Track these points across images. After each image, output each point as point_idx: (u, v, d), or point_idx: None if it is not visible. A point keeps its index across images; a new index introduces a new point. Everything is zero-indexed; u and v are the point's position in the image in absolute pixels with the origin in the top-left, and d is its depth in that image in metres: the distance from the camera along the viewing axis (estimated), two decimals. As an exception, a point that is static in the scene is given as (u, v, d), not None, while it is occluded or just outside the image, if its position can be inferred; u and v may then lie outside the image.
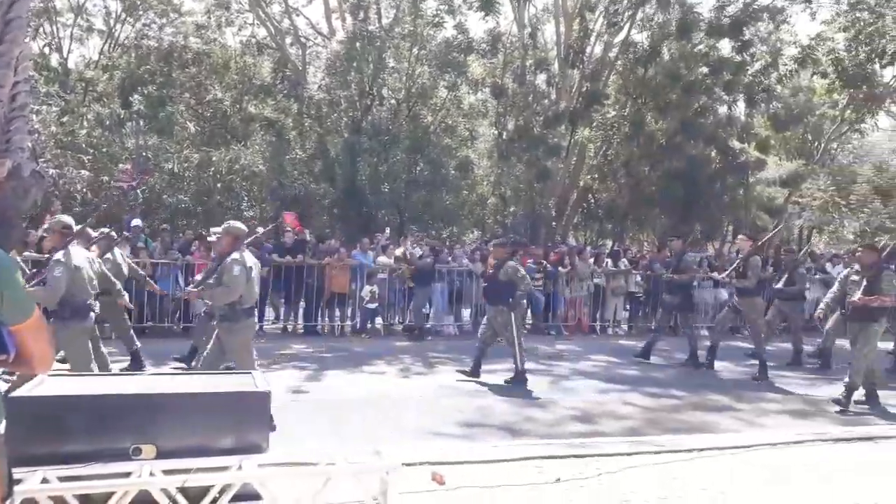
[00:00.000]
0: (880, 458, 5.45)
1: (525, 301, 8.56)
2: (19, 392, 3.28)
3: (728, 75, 18.21)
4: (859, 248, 8.36)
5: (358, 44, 16.11)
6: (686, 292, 9.69)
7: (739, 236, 9.94)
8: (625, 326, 13.49)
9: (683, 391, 7.83)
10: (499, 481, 4.40)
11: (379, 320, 12.08)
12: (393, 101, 17.28)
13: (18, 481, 2.84)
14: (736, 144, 18.79)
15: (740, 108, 19.60)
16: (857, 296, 7.25)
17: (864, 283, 7.28)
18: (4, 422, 2.90)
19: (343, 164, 16.10)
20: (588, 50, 18.10)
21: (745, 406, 7.37)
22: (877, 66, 18.19)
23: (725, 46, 18.63)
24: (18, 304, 1.73)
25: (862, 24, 17.90)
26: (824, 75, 19.25)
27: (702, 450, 5.30)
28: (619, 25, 18.12)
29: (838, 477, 4.85)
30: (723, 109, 19.17)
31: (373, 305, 11.69)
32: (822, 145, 21.46)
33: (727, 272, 9.10)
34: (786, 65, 19.18)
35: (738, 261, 9.04)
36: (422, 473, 4.34)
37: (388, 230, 14.54)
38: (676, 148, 17.81)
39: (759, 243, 9.58)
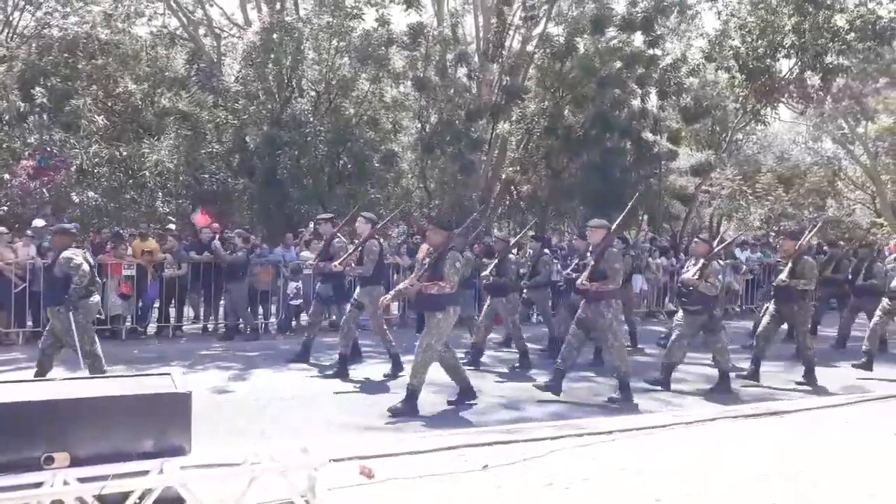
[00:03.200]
0: (787, 432, 5.82)
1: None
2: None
3: (641, 69, 18.82)
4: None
5: (275, 35, 15.74)
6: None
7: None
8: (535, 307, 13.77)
9: (606, 376, 8.10)
10: (427, 471, 4.45)
11: (304, 317, 11.92)
12: (313, 94, 17.00)
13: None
14: (649, 136, 19.44)
15: (653, 102, 20.29)
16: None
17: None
18: None
19: (262, 157, 15.73)
20: (507, 44, 18.33)
21: (657, 387, 7.67)
22: (774, 61, 19.17)
23: (638, 41, 19.26)
24: None
25: (758, 20, 18.84)
26: (727, 70, 20.16)
27: (621, 431, 5.52)
28: (535, 19, 18.41)
29: (748, 451, 5.15)
30: (636, 102, 19.80)
31: (297, 302, 11.54)
32: (729, 136, 22.48)
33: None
34: (694, 59, 19.99)
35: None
36: (350, 468, 4.35)
37: (311, 225, 14.33)
38: (593, 140, 18.27)
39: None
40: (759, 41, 18.91)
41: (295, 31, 15.85)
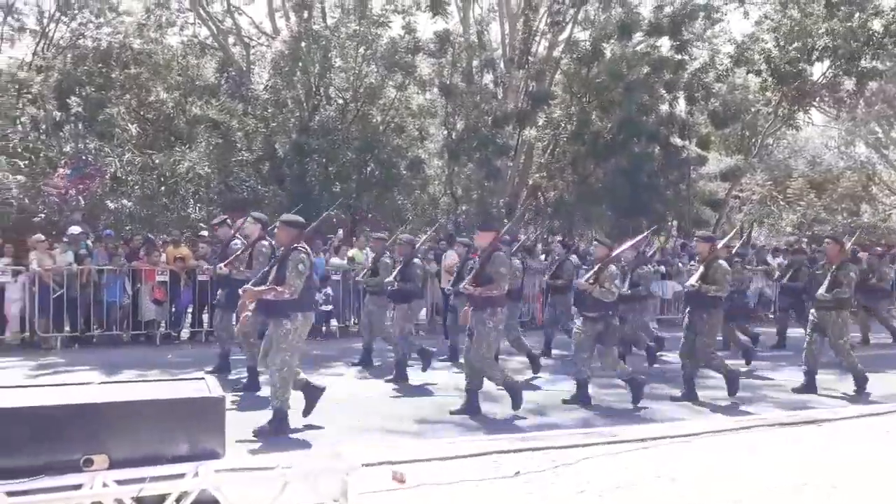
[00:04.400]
0: (823, 441, 5.69)
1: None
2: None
3: (668, 74, 18.68)
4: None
5: (303, 43, 15.94)
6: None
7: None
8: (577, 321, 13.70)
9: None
10: (458, 477, 4.44)
11: (334, 322, 12.00)
12: (341, 101, 17.15)
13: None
14: (678, 141, 19.26)
15: (681, 106, 20.13)
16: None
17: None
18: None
19: (291, 164, 15.90)
20: (533, 50, 18.32)
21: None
22: (807, 64, 18.90)
23: (666, 45, 19.12)
24: None
25: (791, 22, 18.59)
26: (758, 73, 19.92)
27: (653, 438, 5.45)
28: (561, 25, 18.38)
29: (783, 460, 5.05)
30: (664, 107, 19.65)
31: (327, 308, 11.61)
32: (759, 141, 22.17)
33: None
34: (722, 63, 19.78)
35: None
36: (382, 473, 4.35)
37: (340, 231, 14.44)
38: (621, 146, 18.16)
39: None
40: (792, 44, 18.65)
41: (322, 39, 16.02)
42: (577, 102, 19.05)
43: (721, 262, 7.26)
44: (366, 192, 16.35)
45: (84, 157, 14.68)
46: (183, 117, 18.46)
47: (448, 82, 17.30)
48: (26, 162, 14.11)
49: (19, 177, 13.32)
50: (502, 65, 18.40)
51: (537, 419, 6.45)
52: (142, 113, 18.91)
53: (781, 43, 18.88)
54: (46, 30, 20.58)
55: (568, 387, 7.36)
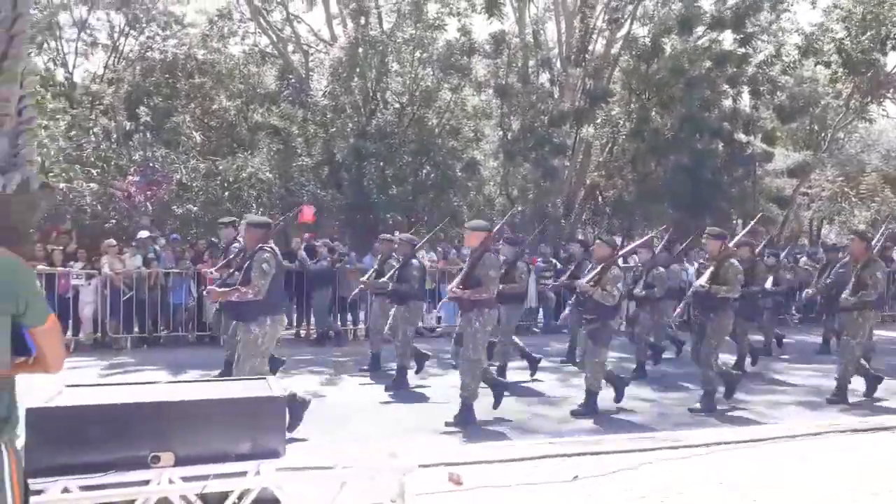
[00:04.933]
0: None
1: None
2: (38, 403, 3.30)
3: (731, 68, 18.14)
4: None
5: (360, 49, 16.16)
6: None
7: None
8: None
9: (692, 384, 7.79)
10: (516, 480, 4.40)
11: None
12: (397, 105, 17.31)
13: (38, 492, 2.87)
14: (742, 137, 18.70)
15: (745, 101, 19.52)
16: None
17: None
18: (23, 435, 2.94)
19: (349, 168, 16.14)
20: (590, 47, 18.09)
21: (755, 398, 7.33)
22: (880, 54, 18.07)
23: (728, 39, 18.60)
24: (38, 309, 1.84)
25: (863, 10, 17.81)
26: (827, 64, 19.16)
27: (718, 444, 5.29)
28: (620, 21, 18.10)
29: (858, 467, 4.83)
30: (727, 102, 19.11)
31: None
32: (829, 135, 21.31)
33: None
34: (789, 55, 19.11)
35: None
36: (438, 474, 4.35)
37: (397, 234, 14.55)
38: (682, 143, 17.75)
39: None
40: (864, 33, 17.86)
41: (379, 44, 16.20)
42: (636, 99, 18.72)
43: (733, 261, 6.89)
44: (422, 194, 16.44)
45: (152, 165, 15.22)
46: (245, 124, 18.97)
47: (504, 83, 17.25)
48: (98, 170, 14.73)
49: (92, 184, 13.91)
50: (559, 63, 18.23)
51: (598, 423, 6.34)
52: (206, 121, 19.52)
53: (853, 32, 18.11)
54: (117, 44, 21.48)
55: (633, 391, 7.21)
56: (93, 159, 14.97)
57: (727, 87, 18.60)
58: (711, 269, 6.90)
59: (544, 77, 18.09)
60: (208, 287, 5.57)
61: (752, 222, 9.68)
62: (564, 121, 17.36)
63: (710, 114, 18.06)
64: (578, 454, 4.96)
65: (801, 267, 13.67)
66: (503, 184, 18.59)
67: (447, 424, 6.12)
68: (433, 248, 13.19)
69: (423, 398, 7.40)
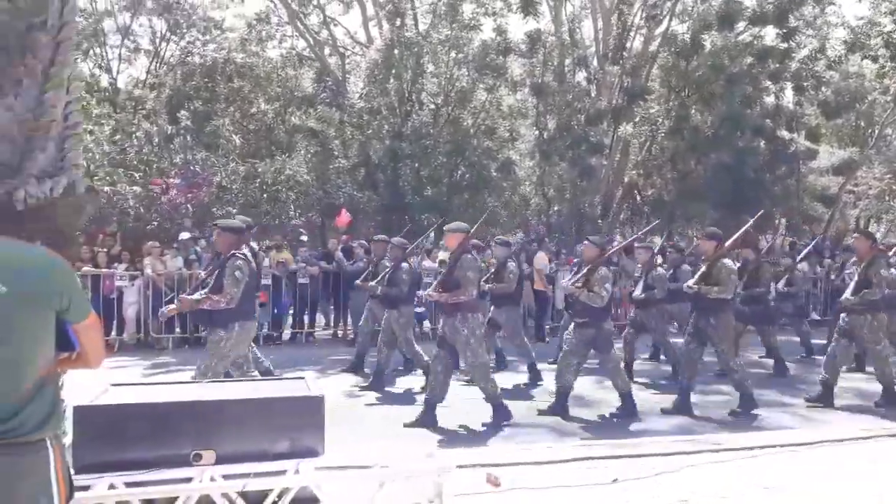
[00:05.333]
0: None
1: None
2: (85, 402, 3.39)
3: (774, 64, 17.76)
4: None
5: (396, 51, 16.24)
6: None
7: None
8: (676, 323, 13.24)
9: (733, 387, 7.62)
10: (554, 482, 4.36)
11: (427, 324, 12.11)
12: (432, 106, 17.35)
13: (85, 487, 2.94)
14: (785, 134, 18.29)
15: (788, 97, 19.11)
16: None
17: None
18: (71, 433, 3.02)
19: (385, 170, 16.22)
20: (627, 45, 17.89)
21: (798, 402, 7.15)
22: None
23: (770, 34, 18.20)
24: (80, 305, 1.88)
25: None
26: (874, 59, 18.61)
27: (762, 447, 5.17)
28: (658, 18, 17.85)
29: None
30: (770, 99, 18.71)
31: (420, 309, 11.72)
32: (877, 131, 20.68)
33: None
34: (834, 49, 18.61)
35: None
36: (476, 475, 4.34)
37: (431, 234, 14.57)
38: (723, 140, 17.43)
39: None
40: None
41: (415, 45, 16.25)
42: (675, 97, 18.45)
43: (726, 261, 6.63)
44: (457, 195, 16.44)
45: (193, 168, 15.50)
46: (283, 127, 19.23)
47: (540, 82, 17.16)
48: (141, 174, 15.06)
49: (135, 188, 14.22)
50: (595, 61, 18.07)
51: (637, 425, 6.25)
52: (245, 124, 19.83)
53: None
54: (159, 49, 21.96)
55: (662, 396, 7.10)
56: (136, 163, 15.32)
57: (769, 83, 18.23)
58: (703, 269, 6.70)
59: (581, 75, 17.94)
60: (181, 296, 5.51)
61: (751, 222, 9.35)
62: (601, 119, 17.19)
63: (752, 111, 17.72)
64: (617, 457, 4.90)
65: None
66: (539, 184, 18.49)
67: (484, 426, 6.09)
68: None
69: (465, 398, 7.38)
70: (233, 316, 5.27)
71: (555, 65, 17.41)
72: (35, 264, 1.79)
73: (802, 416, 6.62)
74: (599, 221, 17.50)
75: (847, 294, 6.90)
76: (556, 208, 18.26)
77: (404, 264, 7.95)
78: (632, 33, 17.89)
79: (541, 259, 12.07)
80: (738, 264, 9.08)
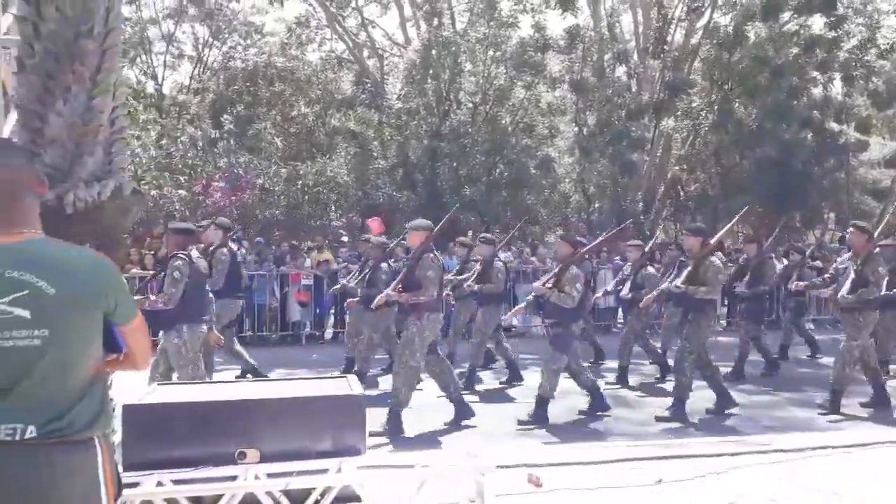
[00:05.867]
0: None
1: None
2: (134, 400, 3.47)
3: (821, 54, 17.27)
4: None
5: (433, 51, 16.27)
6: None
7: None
8: (723, 322, 12.95)
9: (779, 387, 7.44)
10: (597, 483, 4.31)
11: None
12: (470, 105, 17.34)
13: (134, 484, 3.01)
14: (834, 126, 17.78)
15: (836, 88, 18.57)
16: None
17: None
18: (120, 430, 3.09)
19: (423, 169, 16.27)
20: (668, 38, 17.59)
21: (846, 402, 6.90)
22: None
23: (817, 23, 17.69)
24: (127, 307, 1.90)
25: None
26: (930, 46, 17.97)
27: (814, 448, 5.01)
28: (700, 10, 17.52)
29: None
30: (817, 90, 18.19)
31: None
32: (933, 121, 20.00)
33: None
34: (885, 38, 18.00)
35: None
36: (517, 475, 4.31)
37: (470, 233, 14.56)
38: (768, 133, 17.02)
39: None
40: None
41: (452, 45, 16.26)
42: (718, 90, 18.07)
43: (713, 260, 6.32)
44: (495, 193, 16.39)
45: (236, 171, 15.79)
46: (323, 129, 19.45)
47: (579, 78, 17.00)
48: (186, 177, 15.39)
49: (180, 191, 14.55)
50: (636, 56, 17.81)
51: (679, 426, 6.13)
52: (286, 127, 20.11)
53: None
54: (202, 55, 22.41)
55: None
56: (181, 166, 15.67)
57: (817, 73, 17.75)
58: (689, 268, 6.41)
59: (621, 70, 17.73)
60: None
61: (736, 218, 9.01)
62: (643, 114, 16.95)
63: (799, 102, 17.27)
64: (662, 457, 4.81)
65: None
66: (579, 180, 18.33)
67: (521, 424, 6.03)
68: (509, 247, 13.09)
69: (504, 398, 7.36)
70: (177, 318, 5.25)
71: (594, 60, 17.23)
72: (83, 266, 1.81)
73: (855, 417, 6.41)
74: (642, 218, 17.26)
75: (843, 292, 6.47)
76: (596, 205, 18.07)
77: (384, 265, 7.84)
78: (672, 26, 17.60)
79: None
80: (742, 260, 8.85)
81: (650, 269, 8.28)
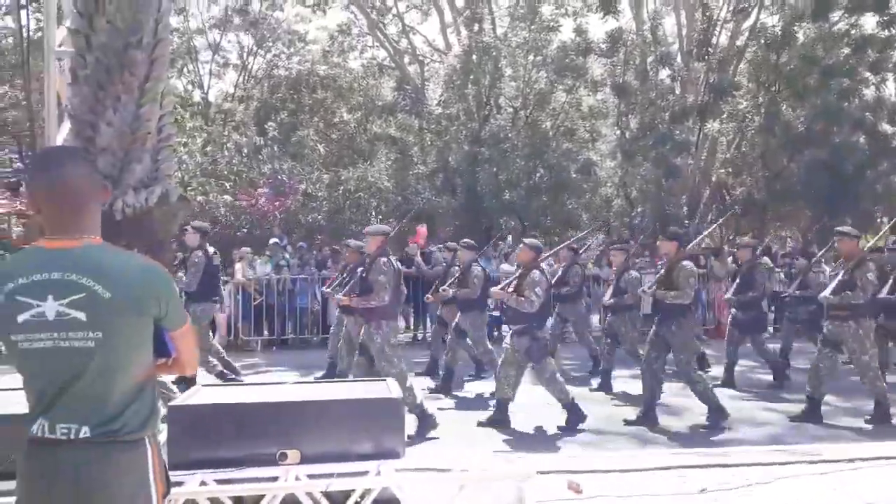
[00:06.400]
0: None
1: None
2: (179, 401, 3.55)
3: (874, 53, 16.75)
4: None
5: (474, 56, 16.30)
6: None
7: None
8: (770, 328, 12.63)
9: (831, 395, 7.20)
10: (639, 491, 4.25)
11: (505, 327, 12.06)
12: (510, 110, 17.30)
13: (178, 483, 3.08)
14: (887, 128, 17.20)
15: (890, 89, 18.01)
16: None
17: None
18: (166, 429, 3.17)
19: (463, 174, 16.29)
20: (713, 40, 17.28)
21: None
22: None
23: (869, 22, 17.18)
24: (177, 312, 1.94)
25: None
26: None
27: (865, 459, 4.86)
28: (746, 11, 17.18)
29: None
30: (869, 91, 17.65)
31: (496, 313, 11.68)
32: None
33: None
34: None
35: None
36: (556, 482, 4.27)
37: (510, 238, 14.52)
38: (818, 136, 16.56)
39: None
40: None
41: (493, 50, 16.27)
42: (765, 92, 17.65)
43: (685, 264, 6.16)
44: (535, 197, 16.31)
45: (280, 177, 16.06)
46: (364, 135, 19.64)
47: (621, 81, 16.82)
48: (231, 183, 15.72)
49: (226, 197, 14.86)
50: (679, 58, 17.55)
51: (726, 434, 6.00)
52: (328, 133, 20.39)
53: None
54: (246, 63, 22.87)
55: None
56: (226, 173, 16.01)
57: (869, 74, 17.20)
58: (662, 272, 6.31)
59: (664, 73, 17.47)
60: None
61: (715, 224, 8.66)
62: (687, 117, 16.67)
63: (850, 104, 16.73)
64: (706, 466, 4.71)
65: None
66: (621, 184, 18.11)
67: (560, 430, 6.00)
68: (557, 256, 13.00)
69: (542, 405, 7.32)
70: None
71: (636, 63, 17.03)
72: (137, 272, 1.87)
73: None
74: (686, 222, 16.96)
75: (827, 292, 6.30)
76: (639, 209, 17.82)
77: (360, 269, 7.83)
78: (717, 28, 17.28)
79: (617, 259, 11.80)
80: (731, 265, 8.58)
81: (633, 273, 8.14)
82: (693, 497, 4.17)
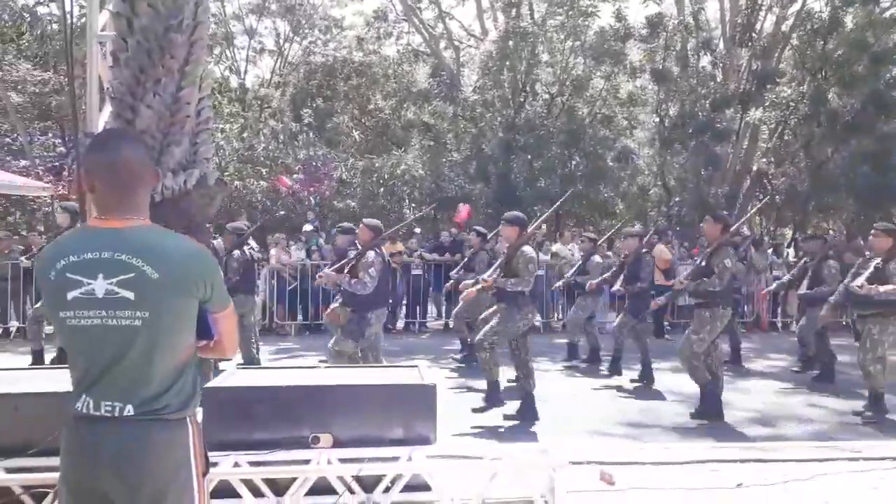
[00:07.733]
0: None
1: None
2: (214, 383, 3.59)
3: (927, 40, 16.17)
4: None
5: (511, 41, 16.14)
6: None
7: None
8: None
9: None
10: (672, 484, 4.18)
11: (538, 318, 11.99)
12: (547, 96, 17.11)
13: (214, 464, 3.12)
14: (938, 117, 16.59)
15: (944, 76, 17.30)
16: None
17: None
18: (201, 410, 3.20)
19: (497, 162, 16.18)
20: (757, 26, 16.84)
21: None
22: None
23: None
24: (221, 295, 1.96)
25: None
26: None
27: (908, 458, 4.72)
28: (793, -4, 16.71)
29: None
30: (921, 78, 17.04)
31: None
32: None
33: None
34: None
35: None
36: (589, 472, 4.24)
37: (543, 226, 14.39)
38: (865, 125, 16.05)
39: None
40: None
41: (530, 35, 16.08)
42: (810, 79, 17.16)
43: (526, 250, 5.97)
44: (570, 185, 16.15)
45: (315, 164, 16.15)
46: (399, 122, 19.63)
47: (661, 67, 16.51)
48: (267, 169, 15.86)
49: (262, 182, 15.00)
50: (721, 44, 17.15)
51: (764, 429, 5.88)
52: (363, 120, 20.43)
53: None
54: (282, 49, 23.00)
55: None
56: (262, 158, 16.15)
57: (921, 60, 16.58)
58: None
59: (705, 59, 17.10)
60: None
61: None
62: (728, 104, 16.30)
63: (900, 92, 16.20)
64: (743, 460, 4.63)
65: None
66: (659, 173, 17.82)
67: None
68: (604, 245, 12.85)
69: (566, 396, 7.26)
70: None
71: (677, 49, 16.69)
72: (184, 254, 1.89)
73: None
74: (726, 212, 16.63)
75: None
76: (677, 199, 17.53)
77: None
78: (762, 13, 16.83)
79: (660, 252, 11.62)
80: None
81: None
82: (729, 492, 4.09)
